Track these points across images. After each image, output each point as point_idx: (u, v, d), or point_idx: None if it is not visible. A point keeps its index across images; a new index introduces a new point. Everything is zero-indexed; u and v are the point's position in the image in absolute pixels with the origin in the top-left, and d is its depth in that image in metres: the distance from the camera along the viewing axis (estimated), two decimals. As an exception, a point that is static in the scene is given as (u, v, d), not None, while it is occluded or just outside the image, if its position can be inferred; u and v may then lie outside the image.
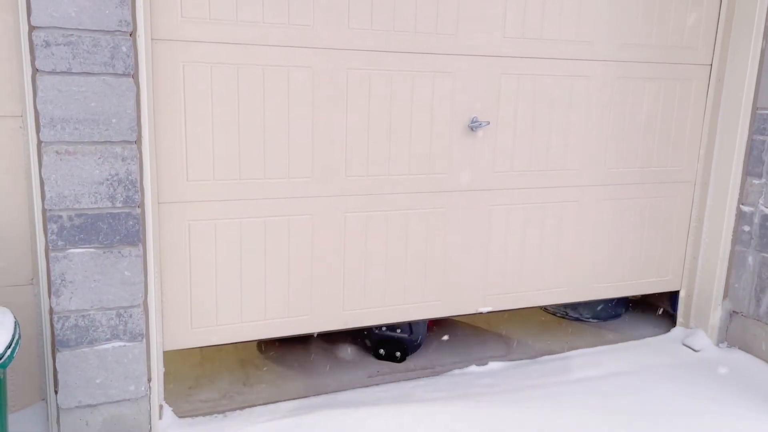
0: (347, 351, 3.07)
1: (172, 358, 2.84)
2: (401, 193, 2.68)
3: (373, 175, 2.61)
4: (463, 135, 2.72)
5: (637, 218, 3.18)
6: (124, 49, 1.94)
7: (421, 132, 2.64)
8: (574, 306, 3.56)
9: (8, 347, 1.70)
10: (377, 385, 2.76)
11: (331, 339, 3.19)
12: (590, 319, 3.56)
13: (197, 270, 2.38)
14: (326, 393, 2.68)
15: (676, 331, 3.37)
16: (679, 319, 3.41)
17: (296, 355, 3.02)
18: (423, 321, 2.97)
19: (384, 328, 2.99)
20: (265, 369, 2.88)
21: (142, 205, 2.05)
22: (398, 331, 2.98)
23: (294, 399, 2.62)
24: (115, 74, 1.95)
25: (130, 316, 2.03)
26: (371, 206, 2.64)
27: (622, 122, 3.02)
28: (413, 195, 2.70)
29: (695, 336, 3.25)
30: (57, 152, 1.92)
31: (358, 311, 2.72)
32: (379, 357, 3.00)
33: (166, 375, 2.54)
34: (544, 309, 3.69)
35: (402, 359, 2.99)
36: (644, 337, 3.35)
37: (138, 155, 2.01)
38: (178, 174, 2.27)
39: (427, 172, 2.70)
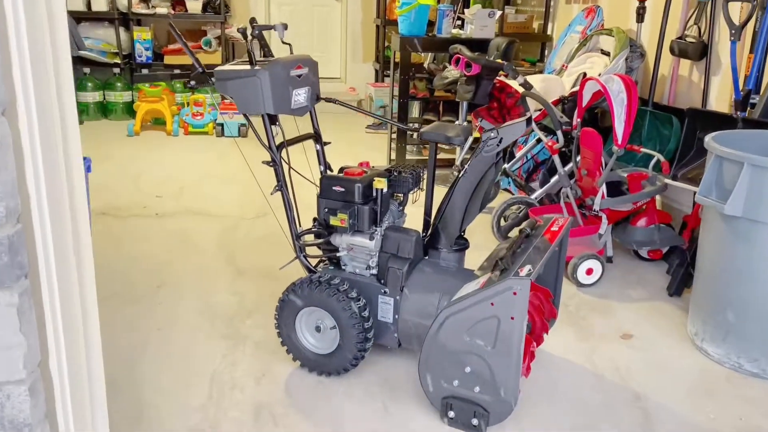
0: (400, 407, 2.17)
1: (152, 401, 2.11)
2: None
3: None
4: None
5: None
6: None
7: None
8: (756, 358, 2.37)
9: None
10: (437, 473, 1.86)
11: (389, 383, 2.31)
12: (779, 378, 2.37)
13: None
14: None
15: None
16: None
17: (326, 407, 2.18)
18: (515, 372, 1.98)
19: (456, 383, 2.05)
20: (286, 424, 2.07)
21: (28, 215, 1.25)
22: (477, 389, 2.02)
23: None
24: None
25: (8, 397, 1.27)
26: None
27: None
28: None
29: None
30: None
31: None
32: (449, 421, 2.08)
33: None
34: (698, 346, 2.53)
35: (481, 430, 2.04)
36: None
37: (9, 133, 1.19)
38: None
39: None
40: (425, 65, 5.98)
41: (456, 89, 4.06)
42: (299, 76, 2.34)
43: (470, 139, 2.36)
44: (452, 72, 4.51)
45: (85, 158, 2.75)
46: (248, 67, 2.21)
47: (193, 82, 2.29)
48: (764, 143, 2.54)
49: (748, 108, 2.90)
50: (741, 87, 2.98)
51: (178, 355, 2.44)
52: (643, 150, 3.37)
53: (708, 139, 2.46)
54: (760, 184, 2.21)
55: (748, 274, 2.33)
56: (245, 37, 2.29)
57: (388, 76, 6.13)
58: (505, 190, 4.46)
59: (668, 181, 3.16)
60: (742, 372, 2.43)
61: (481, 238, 3.60)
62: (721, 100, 3.34)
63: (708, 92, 3.38)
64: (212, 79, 2.26)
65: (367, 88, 7.71)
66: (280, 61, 2.27)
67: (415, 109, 6.06)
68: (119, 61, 6.61)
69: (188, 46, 2.28)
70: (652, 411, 2.20)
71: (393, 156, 5.33)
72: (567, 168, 3.42)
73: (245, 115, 2.36)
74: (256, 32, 2.31)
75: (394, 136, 5.43)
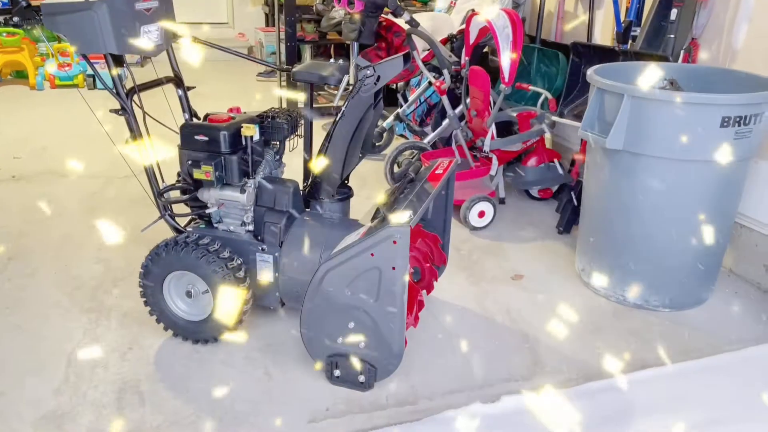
0: (284, 372, 2.02)
1: None
2: None
3: None
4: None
5: None
6: None
7: None
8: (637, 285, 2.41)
9: None
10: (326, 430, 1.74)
11: (272, 347, 2.15)
12: (659, 308, 2.42)
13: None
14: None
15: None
16: (800, 314, 2.25)
17: (202, 379, 1.99)
18: (400, 324, 1.87)
19: (340, 340, 1.91)
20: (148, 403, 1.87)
21: None
22: (362, 345, 1.90)
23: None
24: None
25: None
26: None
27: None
28: None
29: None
30: None
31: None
32: (336, 381, 1.96)
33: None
34: (585, 282, 2.54)
35: (369, 385, 1.94)
36: (754, 343, 2.22)
37: None
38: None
39: None
40: (314, 7, 5.65)
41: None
42: (147, 10, 2.03)
43: (346, 79, 2.17)
44: (339, 12, 4.26)
45: None
46: (82, -1, 1.89)
47: (16, 18, 1.93)
48: (644, 75, 2.52)
49: (630, 40, 2.88)
50: (622, 19, 2.95)
51: (29, 336, 2.16)
52: (531, 88, 3.31)
53: (590, 72, 2.40)
54: (640, 115, 2.18)
55: (629, 207, 2.33)
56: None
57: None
58: (401, 135, 4.33)
59: (555, 118, 3.13)
60: (626, 305, 2.46)
61: (376, 186, 3.46)
62: (605, 34, 3.32)
63: (593, 26, 3.35)
64: (39, 15, 1.92)
65: (256, 33, 7.27)
66: (121, -9, 1.95)
67: (307, 54, 5.75)
68: (-35, 7, 5.79)
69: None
70: (540, 351, 2.17)
71: (284, 104, 5.05)
72: (457, 110, 3.32)
73: (85, 57, 2.03)
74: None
75: (284, 83, 5.14)
